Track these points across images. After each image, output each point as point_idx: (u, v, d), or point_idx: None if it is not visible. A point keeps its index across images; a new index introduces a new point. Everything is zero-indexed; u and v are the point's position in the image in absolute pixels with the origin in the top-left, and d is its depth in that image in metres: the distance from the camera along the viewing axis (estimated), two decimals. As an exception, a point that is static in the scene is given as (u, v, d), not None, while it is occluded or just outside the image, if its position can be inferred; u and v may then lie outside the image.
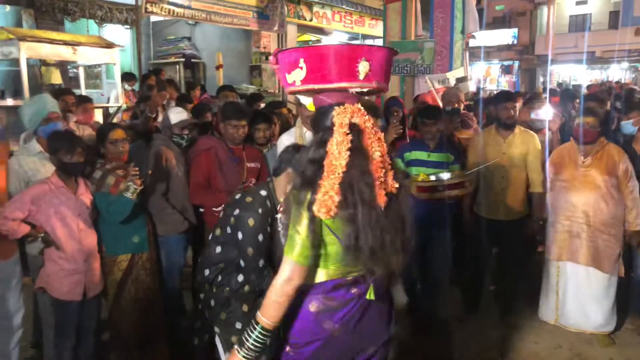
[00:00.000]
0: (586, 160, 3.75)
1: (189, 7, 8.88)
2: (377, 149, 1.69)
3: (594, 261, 3.72)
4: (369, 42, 15.61)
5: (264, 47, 11.09)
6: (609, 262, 3.71)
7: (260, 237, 2.38)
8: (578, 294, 3.82)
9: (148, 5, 8.29)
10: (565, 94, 6.93)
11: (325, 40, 14.29)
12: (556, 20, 24.25)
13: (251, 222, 2.37)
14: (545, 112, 4.35)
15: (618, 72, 24.02)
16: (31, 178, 3.03)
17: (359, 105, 1.72)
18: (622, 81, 19.44)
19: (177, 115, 3.49)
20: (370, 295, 1.82)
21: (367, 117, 1.71)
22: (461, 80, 7.65)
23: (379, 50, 1.85)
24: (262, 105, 6.00)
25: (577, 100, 6.58)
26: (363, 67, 1.77)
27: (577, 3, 24.71)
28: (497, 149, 3.94)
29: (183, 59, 10.85)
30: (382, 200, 1.67)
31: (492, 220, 3.97)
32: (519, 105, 4.35)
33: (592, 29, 23.81)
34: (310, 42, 13.97)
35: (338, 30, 13.47)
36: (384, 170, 1.69)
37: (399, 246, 1.75)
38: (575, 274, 3.83)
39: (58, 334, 2.90)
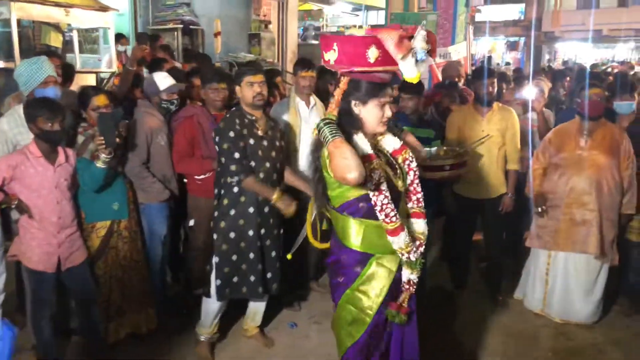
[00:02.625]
0: (588, 141, 3.60)
1: (187, -29, 8.66)
2: None
3: (601, 249, 3.59)
4: (372, 13, 15.36)
5: (264, 15, 10.86)
6: (608, 250, 3.63)
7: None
8: (568, 285, 3.73)
9: (146, -32, 8.08)
10: (556, 74, 6.82)
11: (328, 10, 14.03)
12: (565, -4, 23.75)
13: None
14: (528, 92, 4.23)
15: (624, 52, 23.66)
16: (20, 142, 2.96)
17: None
18: (628, 61, 19.17)
19: (164, 80, 3.40)
20: None
21: None
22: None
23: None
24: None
25: (568, 79, 6.47)
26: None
27: (587, -21, 24.18)
28: (476, 126, 3.85)
29: (181, 25, 10.64)
30: None
31: (471, 199, 3.92)
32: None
33: (600, 6, 23.33)
34: (311, 11, 13.72)
35: (341, 0, 13.22)
36: None
37: None
38: (567, 264, 3.71)
39: (32, 302, 2.86)
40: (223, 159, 2.99)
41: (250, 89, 3.01)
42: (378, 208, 2.07)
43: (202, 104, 3.63)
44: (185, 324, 3.53)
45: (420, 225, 2.25)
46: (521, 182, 3.96)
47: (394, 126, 2.32)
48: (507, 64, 20.02)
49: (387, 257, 2.18)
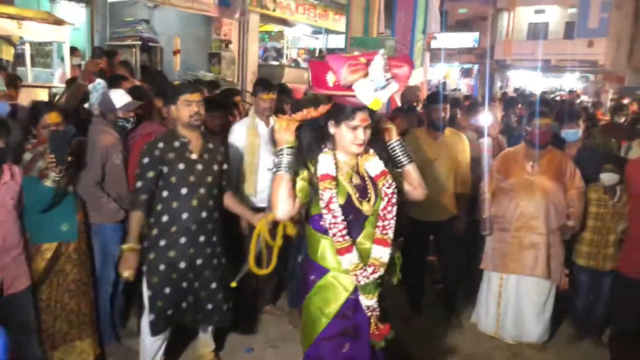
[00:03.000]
0: (535, 166, 3.71)
1: (147, -11, 8.59)
2: None
3: (548, 272, 3.67)
4: (332, 36, 15.58)
5: (225, 35, 10.88)
6: (556, 272, 3.73)
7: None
8: (520, 307, 3.80)
9: (104, -16, 7.97)
10: (508, 101, 7.07)
11: (288, 32, 14.15)
12: (515, 27, 24.83)
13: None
14: (484, 118, 4.36)
15: (571, 81, 24.83)
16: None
17: None
18: (574, 90, 20.11)
19: (121, 97, 3.32)
20: None
21: None
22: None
23: None
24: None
25: (519, 106, 6.73)
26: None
27: (536, 12, 25.36)
28: (428, 150, 3.93)
29: (140, 42, 10.51)
30: None
31: (424, 221, 3.96)
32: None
33: (548, 38, 24.51)
34: (272, 33, 13.83)
35: (302, 23, 13.37)
36: None
37: None
38: (519, 286, 3.78)
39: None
40: None
41: (187, 108, 2.86)
42: (327, 226, 2.17)
43: (160, 122, 3.56)
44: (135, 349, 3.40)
45: (378, 252, 2.22)
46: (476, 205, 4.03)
47: (403, 154, 2.34)
48: (457, 89, 20.64)
49: (343, 275, 2.22)
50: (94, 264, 3.22)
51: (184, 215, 2.87)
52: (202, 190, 2.91)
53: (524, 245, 3.71)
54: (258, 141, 3.70)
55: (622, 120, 6.42)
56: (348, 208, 2.18)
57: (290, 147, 2.15)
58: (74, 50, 7.62)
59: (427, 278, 4.44)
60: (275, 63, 12.74)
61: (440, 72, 24.07)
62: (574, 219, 3.70)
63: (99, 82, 4.83)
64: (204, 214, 2.92)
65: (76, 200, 3.05)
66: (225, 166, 3.12)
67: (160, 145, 2.84)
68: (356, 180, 2.25)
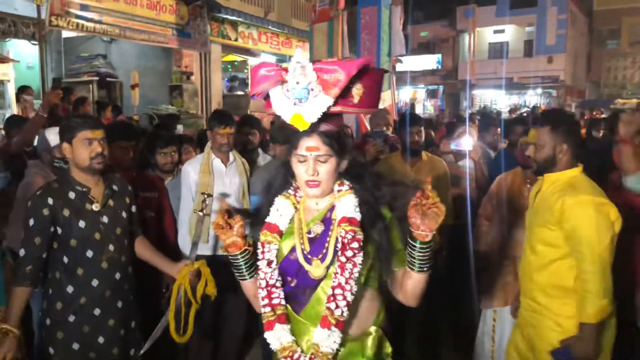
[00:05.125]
0: (532, 190, 3.43)
1: (100, 22, 8.24)
2: None
3: None
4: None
5: (186, 67, 10.56)
6: None
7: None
8: None
9: (53, 19, 7.59)
10: (485, 122, 6.71)
11: (252, 61, 13.93)
12: (477, 47, 25.33)
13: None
14: (466, 142, 4.03)
15: (534, 98, 25.33)
16: None
17: None
18: (538, 106, 20.45)
19: (57, 136, 2.93)
20: None
21: None
22: None
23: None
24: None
25: (498, 128, 6.49)
26: None
27: (495, 32, 25.97)
28: (404, 177, 3.57)
29: (97, 78, 10.14)
30: None
31: None
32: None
33: (509, 57, 25.07)
34: (236, 63, 13.58)
35: (265, 52, 13.17)
36: None
37: None
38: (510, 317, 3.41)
39: None
40: None
41: (86, 148, 2.26)
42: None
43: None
44: None
45: (319, 337, 1.55)
46: (460, 235, 3.68)
47: (422, 262, 1.59)
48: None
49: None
50: (31, 332, 2.77)
51: (94, 283, 2.33)
52: (111, 247, 2.38)
53: (518, 275, 3.38)
54: (211, 180, 3.28)
55: (600, 135, 6.26)
56: (293, 267, 1.62)
57: (244, 252, 1.63)
58: (25, 89, 7.19)
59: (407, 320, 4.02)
60: (240, 93, 12.46)
61: (407, 95, 24.26)
62: None
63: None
64: (117, 275, 2.41)
65: (4, 258, 2.62)
66: (134, 208, 2.58)
67: (50, 201, 2.25)
68: (317, 230, 1.65)
